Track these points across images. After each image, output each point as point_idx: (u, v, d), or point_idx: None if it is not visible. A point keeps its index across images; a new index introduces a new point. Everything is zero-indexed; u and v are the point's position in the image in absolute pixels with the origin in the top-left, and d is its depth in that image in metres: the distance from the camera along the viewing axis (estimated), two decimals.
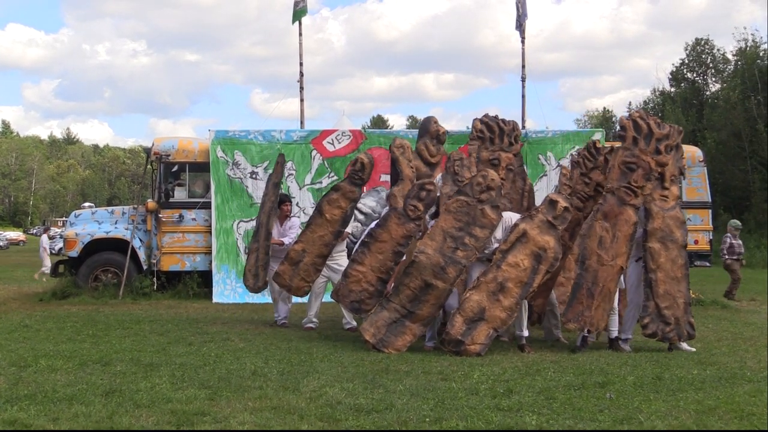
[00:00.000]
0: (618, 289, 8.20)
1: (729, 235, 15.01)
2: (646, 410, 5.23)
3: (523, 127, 15.35)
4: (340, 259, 9.29)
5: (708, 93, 41.75)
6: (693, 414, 5.16)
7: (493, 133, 9.03)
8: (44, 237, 20.59)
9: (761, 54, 34.92)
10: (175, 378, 6.15)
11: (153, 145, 13.03)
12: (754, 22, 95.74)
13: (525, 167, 12.74)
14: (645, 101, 45.53)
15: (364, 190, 9.77)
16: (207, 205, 12.76)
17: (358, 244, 8.36)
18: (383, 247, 8.17)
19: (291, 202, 10.21)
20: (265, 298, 11.82)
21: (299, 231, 9.49)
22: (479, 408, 5.25)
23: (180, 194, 12.95)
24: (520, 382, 6.11)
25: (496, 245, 7.80)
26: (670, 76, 43.14)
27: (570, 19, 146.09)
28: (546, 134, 13.42)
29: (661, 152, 8.02)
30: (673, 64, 46.93)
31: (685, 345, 7.90)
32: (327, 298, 9.71)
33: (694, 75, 42.60)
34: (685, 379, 6.30)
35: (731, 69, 38.54)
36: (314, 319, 9.48)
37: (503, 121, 9.19)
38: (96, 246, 12.72)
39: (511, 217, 7.98)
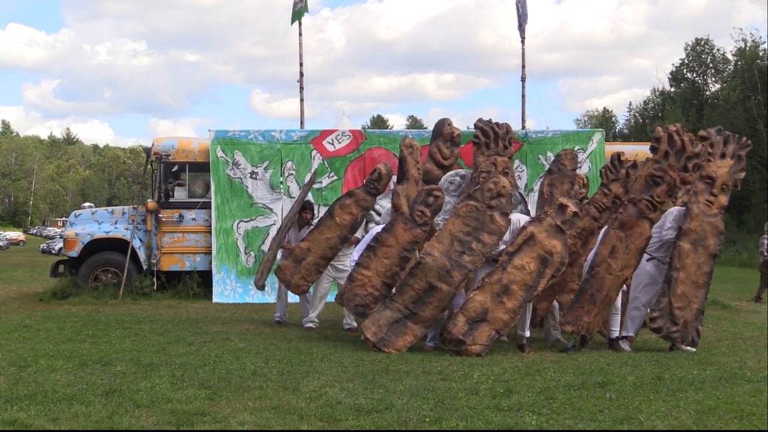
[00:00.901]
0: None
1: (766, 236, 14.94)
2: (646, 410, 5.23)
3: (523, 127, 15.39)
4: (347, 261, 9.30)
5: (708, 93, 41.78)
6: (693, 414, 5.16)
7: (488, 137, 9.07)
8: None
9: (761, 54, 34.93)
10: (175, 378, 6.15)
11: (153, 145, 13.02)
12: (754, 22, 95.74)
13: (525, 167, 12.88)
14: (645, 101, 45.62)
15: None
16: (207, 205, 12.75)
17: (364, 247, 8.34)
18: (389, 251, 8.17)
19: (312, 210, 10.27)
20: (265, 297, 11.88)
21: None
22: (479, 408, 5.25)
23: (180, 194, 12.94)
24: (520, 382, 6.11)
25: (503, 247, 7.80)
26: (670, 76, 43.19)
27: (570, 20, 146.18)
28: (546, 134, 13.41)
29: (688, 170, 7.96)
30: (673, 64, 46.98)
31: (686, 346, 7.90)
32: (329, 298, 9.73)
33: (694, 75, 42.65)
34: (685, 379, 6.30)
35: (731, 69, 38.55)
36: (315, 320, 9.49)
37: (497, 124, 9.23)
38: (96, 246, 12.71)
39: (519, 218, 7.98)
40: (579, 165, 12.93)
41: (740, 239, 29.44)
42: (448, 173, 8.89)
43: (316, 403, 5.34)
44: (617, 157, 8.71)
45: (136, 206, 13.05)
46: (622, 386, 6.01)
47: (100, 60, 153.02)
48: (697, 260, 7.87)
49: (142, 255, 12.65)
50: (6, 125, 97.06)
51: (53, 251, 31.28)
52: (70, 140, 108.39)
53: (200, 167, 13.05)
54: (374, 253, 8.17)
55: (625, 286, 8.08)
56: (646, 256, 8.07)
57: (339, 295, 8.33)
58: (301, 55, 16.93)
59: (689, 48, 42.69)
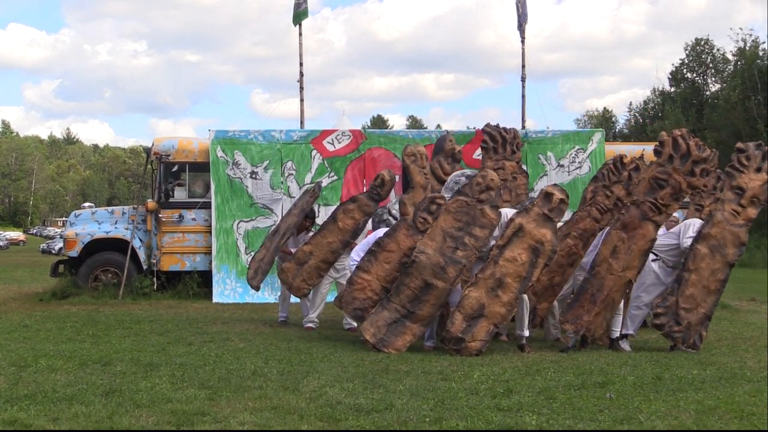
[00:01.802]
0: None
1: None
2: (646, 410, 5.23)
3: (523, 127, 15.38)
4: (348, 261, 9.31)
5: (708, 93, 41.77)
6: (693, 414, 5.16)
7: (496, 142, 9.06)
8: None
9: (761, 54, 34.93)
10: (175, 378, 6.15)
11: (153, 145, 13.02)
12: (754, 22, 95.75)
13: (525, 167, 12.87)
14: (645, 101, 45.61)
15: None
16: (207, 205, 12.75)
17: (363, 248, 8.36)
18: (390, 257, 8.19)
19: (314, 218, 10.35)
20: (265, 297, 11.90)
21: None
22: (479, 408, 5.25)
23: (180, 194, 12.94)
24: (520, 382, 6.11)
25: (492, 242, 7.81)
26: (670, 76, 43.17)
27: (570, 20, 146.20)
28: (546, 134, 13.42)
29: (695, 174, 7.93)
30: (673, 65, 46.93)
31: (686, 347, 7.89)
32: (329, 298, 9.74)
33: (694, 75, 42.63)
34: (685, 379, 6.30)
35: (731, 69, 38.55)
36: (315, 320, 9.50)
37: (504, 129, 9.21)
38: (96, 246, 12.70)
39: (506, 213, 7.99)
40: (579, 165, 12.99)
41: None
42: (454, 173, 8.89)
43: (316, 403, 5.34)
44: (619, 159, 8.71)
45: (136, 206, 13.04)
46: (622, 386, 6.01)
47: (101, 60, 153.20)
48: (713, 266, 7.83)
49: (142, 255, 12.65)
50: (6, 125, 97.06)
51: (53, 251, 31.28)
52: (70, 140, 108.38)
53: (200, 167, 13.04)
54: (375, 257, 8.19)
55: None
56: (651, 256, 8.07)
57: (338, 298, 8.34)
58: (301, 55, 16.93)
59: (689, 48, 42.68)
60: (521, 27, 17.07)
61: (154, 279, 12.59)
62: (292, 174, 12.85)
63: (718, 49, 41.58)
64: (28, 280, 17.04)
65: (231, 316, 10.42)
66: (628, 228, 7.83)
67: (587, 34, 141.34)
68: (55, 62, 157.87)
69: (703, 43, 42.04)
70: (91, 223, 13.09)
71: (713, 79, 41.96)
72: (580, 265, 8.36)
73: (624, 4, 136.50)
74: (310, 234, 9.82)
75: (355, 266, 8.22)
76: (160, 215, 12.59)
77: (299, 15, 16.82)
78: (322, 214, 11.63)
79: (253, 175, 12.77)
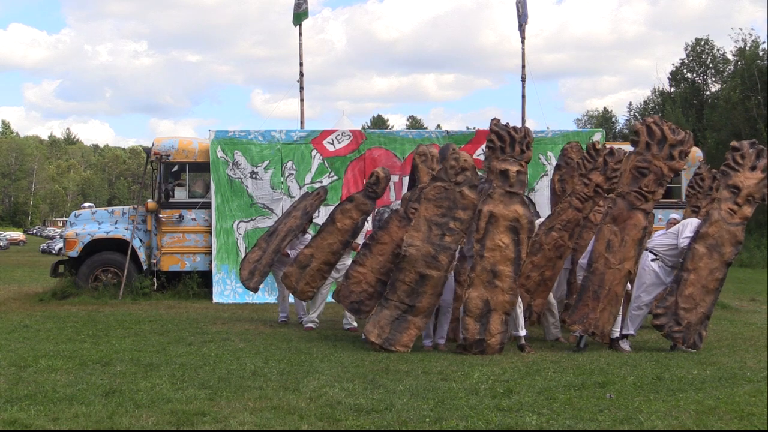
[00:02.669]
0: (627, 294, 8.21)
1: None
2: (646, 410, 5.23)
3: None
4: (348, 260, 9.34)
5: (708, 93, 41.76)
6: (693, 414, 5.16)
7: (504, 141, 8.93)
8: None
9: (761, 54, 34.92)
10: (175, 378, 6.15)
11: (153, 145, 13.02)
12: (754, 22, 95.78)
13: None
14: (645, 101, 45.62)
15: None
16: (207, 205, 12.75)
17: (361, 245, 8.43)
18: (384, 249, 8.22)
19: (311, 220, 10.44)
20: (264, 298, 11.90)
21: None
22: (479, 408, 5.25)
23: (180, 194, 12.94)
24: (520, 382, 6.11)
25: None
26: (670, 77, 43.17)
27: (570, 20, 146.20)
28: (546, 134, 13.41)
29: (674, 158, 7.96)
30: (673, 65, 47.01)
31: (686, 347, 7.89)
32: (329, 299, 9.74)
33: (694, 75, 42.62)
34: (685, 379, 6.30)
35: (731, 69, 38.53)
36: (315, 320, 9.50)
37: (514, 128, 9.08)
38: (96, 246, 12.71)
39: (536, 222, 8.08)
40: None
41: None
42: None
43: (316, 403, 5.34)
44: (593, 146, 8.73)
45: (136, 206, 13.05)
46: (622, 386, 6.01)
47: (101, 60, 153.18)
48: (711, 265, 7.85)
49: (142, 255, 12.65)
50: (6, 125, 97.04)
51: (53, 251, 31.27)
52: (70, 140, 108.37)
53: (200, 167, 13.05)
54: (370, 250, 8.25)
55: (629, 285, 8.07)
56: (651, 256, 8.07)
57: (336, 293, 8.40)
58: (301, 56, 16.96)
59: (689, 48, 42.69)
60: (521, 27, 17.10)
61: (154, 279, 12.59)
62: (292, 174, 12.85)
63: (718, 49, 41.62)
64: (28, 280, 17.05)
65: (231, 316, 10.42)
66: (618, 221, 7.86)
67: (587, 34, 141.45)
68: (55, 62, 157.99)
69: (703, 43, 42.05)
70: (91, 223, 13.10)
71: (713, 79, 41.97)
72: (579, 265, 8.36)
73: (624, 5, 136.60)
74: (308, 236, 9.83)
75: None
76: (160, 215, 12.60)
77: (299, 16, 16.84)
78: (322, 214, 11.63)
79: (253, 175, 12.78)
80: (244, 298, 12.13)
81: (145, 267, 12.66)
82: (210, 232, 12.63)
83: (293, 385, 5.90)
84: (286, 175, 12.78)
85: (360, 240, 9.39)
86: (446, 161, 7.96)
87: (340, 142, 13.01)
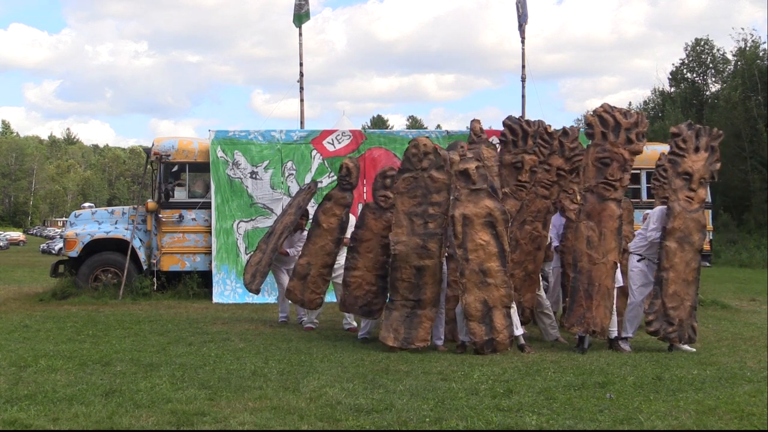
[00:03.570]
0: (620, 288, 8.20)
1: None
2: (646, 410, 5.23)
3: None
4: (341, 259, 9.32)
5: (708, 93, 41.74)
6: (693, 414, 5.16)
7: (516, 135, 8.86)
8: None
9: (761, 54, 34.90)
10: (175, 378, 6.15)
11: (153, 145, 13.02)
12: (754, 22, 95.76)
13: None
14: (645, 101, 45.56)
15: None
16: (207, 205, 12.75)
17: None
18: (369, 245, 8.27)
19: (308, 215, 10.33)
20: (265, 298, 11.89)
21: None
22: (479, 408, 5.24)
23: (180, 194, 12.93)
24: (520, 382, 6.11)
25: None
26: (670, 77, 43.14)
27: (570, 20, 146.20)
28: None
29: (633, 141, 8.00)
30: (673, 65, 46.97)
31: (685, 345, 7.89)
32: (328, 299, 9.74)
33: (694, 75, 42.59)
34: (685, 379, 6.30)
35: (731, 69, 38.52)
36: (315, 320, 9.50)
37: (527, 122, 9.00)
38: (96, 246, 12.70)
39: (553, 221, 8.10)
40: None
41: (740, 239, 29.40)
42: None
43: (316, 403, 5.34)
44: (544, 131, 8.66)
45: (136, 206, 13.04)
46: (622, 386, 6.01)
47: (102, 61, 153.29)
48: (685, 258, 7.88)
49: (142, 255, 12.65)
50: (6, 125, 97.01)
51: (53, 251, 31.26)
52: (70, 140, 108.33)
53: (200, 167, 13.04)
54: (357, 252, 8.28)
55: (620, 279, 8.05)
56: (636, 257, 8.09)
57: (341, 304, 8.39)
58: (301, 56, 16.95)
59: (689, 48, 42.66)
60: (521, 27, 17.09)
61: (154, 279, 12.59)
62: (292, 174, 12.85)
63: (718, 50, 41.58)
64: (28, 280, 17.04)
65: (231, 317, 10.42)
66: (592, 215, 7.88)
67: (587, 34, 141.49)
68: (56, 63, 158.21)
69: (703, 43, 42.01)
70: (91, 223, 13.09)
71: (713, 79, 41.94)
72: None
73: (624, 5, 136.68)
74: (305, 233, 9.82)
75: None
76: (160, 215, 12.59)
77: (300, 17, 16.82)
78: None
79: (253, 175, 12.78)
80: (244, 298, 12.13)
81: (145, 267, 12.66)
82: (210, 232, 12.63)
83: (293, 385, 5.90)
84: (286, 175, 12.77)
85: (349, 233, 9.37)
86: (407, 151, 7.99)
87: (340, 142, 13.01)
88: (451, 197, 7.74)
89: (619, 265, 7.97)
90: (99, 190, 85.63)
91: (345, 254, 8.97)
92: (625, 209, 8.37)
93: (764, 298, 14.19)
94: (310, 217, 10.84)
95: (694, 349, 7.85)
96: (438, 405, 5.33)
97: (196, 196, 12.99)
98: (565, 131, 8.70)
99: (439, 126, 71.97)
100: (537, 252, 8.53)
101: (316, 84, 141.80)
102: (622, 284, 8.14)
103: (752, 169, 32.42)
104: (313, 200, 10.29)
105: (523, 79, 16.88)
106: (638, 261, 8.11)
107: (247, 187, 12.75)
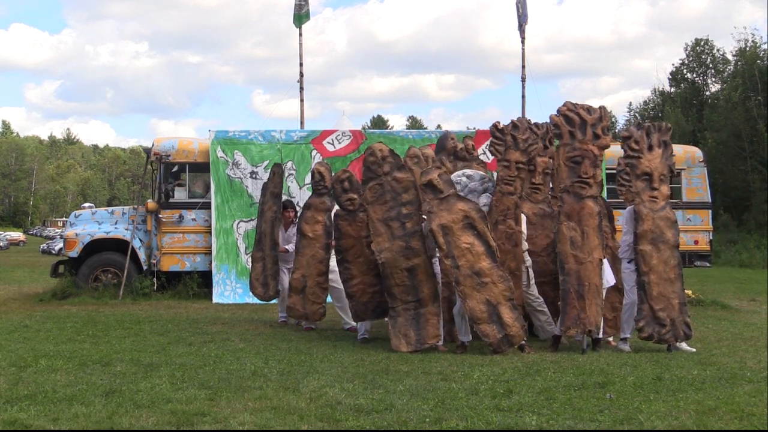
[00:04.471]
0: (617, 288, 8.20)
1: None
2: (646, 410, 5.23)
3: None
4: (331, 262, 9.33)
5: (708, 93, 41.76)
6: (693, 414, 5.16)
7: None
8: None
9: (761, 54, 34.91)
10: (175, 378, 6.15)
11: (153, 145, 13.02)
12: (754, 22, 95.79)
13: None
14: (645, 102, 45.60)
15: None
16: (207, 206, 12.75)
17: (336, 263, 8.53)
18: (356, 250, 8.28)
19: (294, 208, 10.36)
20: None
21: None
22: (479, 408, 5.24)
23: (180, 194, 12.94)
24: (520, 382, 6.11)
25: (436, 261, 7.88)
26: (670, 77, 43.15)
27: (570, 21, 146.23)
28: None
29: (599, 136, 8.01)
30: (673, 65, 46.99)
31: (685, 345, 7.89)
32: (328, 299, 9.73)
33: (694, 75, 42.60)
34: (685, 379, 6.30)
35: (731, 69, 38.52)
36: None
37: (536, 124, 8.77)
38: (96, 246, 12.71)
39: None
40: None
41: (740, 239, 29.40)
42: (455, 173, 8.88)
43: (316, 403, 5.34)
44: (495, 128, 8.62)
45: (136, 206, 13.05)
46: (622, 386, 6.01)
47: (102, 61, 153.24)
48: (662, 257, 7.86)
49: (142, 255, 12.65)
50: (6, 125, 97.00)
51: (53, 251, 31.26)
52: (70, 140, 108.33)
53: (200, 167, 13.05)
54: (347, 261, 8.31)
55: (610, 278, 8.04)
56: (626, 260, 8.09)
57: (354, 316, 8.41)
58: (301, 56, 16.96)
59: (689, 48, 42.66)
60: (521, 28, 17.11)
61: (154, 279, 12.59)
62: (292, 174, 12.86)
63: (718, 50, 41.59)
64: (28, 280, 17.05)
65: (231, 317, 10.42)
66: (572, 215, 7.88)
67: (587, 34, 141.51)
68: (56, 63, 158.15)
69: (703, 43, 42.02)
70: (91, 223, 13.10)
71: (713, 79, 41.95)
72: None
73: (624, 5, 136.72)
74: (293, 229, 9.81)
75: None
76: (160, 216, 12.59)
77: (301, 18, 16.83)
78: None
79: (253, 175, 12.78)
80: (244, 298, 12.13)
81: (145, 267, 12.66)
82: (210, 232, 12.63)
83: (293, 385, 5.90)
84: (286, 175, 12.76)
85: None
86: (365, 161, 8.02)
87: (340, 143, 13.01)
88: (424, 211, 7.73)
89: (606, 261, 7.98)
90: (99, 191, 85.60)
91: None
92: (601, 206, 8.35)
93: (764, 298, 14.19)
94: (293, 199, 10.93)
95: (694, 349, 7.85)
96: (438, 405, 5.33)
97: (196, 196, 12.99)
98: (514, 125, 8.63)
99: (439, 126, 72.02)
100: (515, 249, 8.50)
101: (316, 84, 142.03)
102: (611, 283, 8.13)
103: (752, 169, 32.42)
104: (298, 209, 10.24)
105: (523, 80, 16.90)
106: (628, 262, 8.10)
107: (247, 187, 12.75)
